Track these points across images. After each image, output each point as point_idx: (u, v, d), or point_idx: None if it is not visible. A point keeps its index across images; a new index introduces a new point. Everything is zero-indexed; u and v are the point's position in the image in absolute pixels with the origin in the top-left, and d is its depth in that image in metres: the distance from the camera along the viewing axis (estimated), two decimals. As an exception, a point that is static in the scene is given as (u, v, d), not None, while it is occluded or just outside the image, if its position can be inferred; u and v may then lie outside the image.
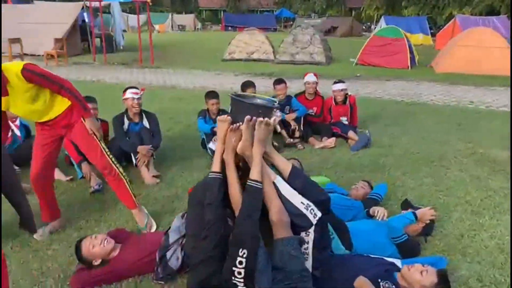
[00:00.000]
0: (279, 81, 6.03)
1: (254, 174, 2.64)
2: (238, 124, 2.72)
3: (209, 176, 2.78)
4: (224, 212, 2.70)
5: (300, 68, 13.95)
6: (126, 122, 4.92)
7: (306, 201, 2.68)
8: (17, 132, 5.00)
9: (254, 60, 15.81)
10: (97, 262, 2.87)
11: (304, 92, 6.32)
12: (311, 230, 2.69)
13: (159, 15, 41.49)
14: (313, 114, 6.28)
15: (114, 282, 2.84)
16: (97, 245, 2.87)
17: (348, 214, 3.57)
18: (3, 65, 2.93)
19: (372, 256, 2.97)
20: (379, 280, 2.67)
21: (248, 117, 2.68)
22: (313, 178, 4.27)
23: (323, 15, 46.91)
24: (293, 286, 2.51)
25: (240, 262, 2.44)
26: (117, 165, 3.50)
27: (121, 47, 17.88)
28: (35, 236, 3.39)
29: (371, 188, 4.02)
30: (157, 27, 37.10)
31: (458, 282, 2.90)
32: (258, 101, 2.91)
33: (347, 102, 6.20)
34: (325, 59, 15.28)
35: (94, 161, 3.47)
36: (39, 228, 3.44)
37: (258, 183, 2.62)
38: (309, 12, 51.38)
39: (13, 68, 2.95)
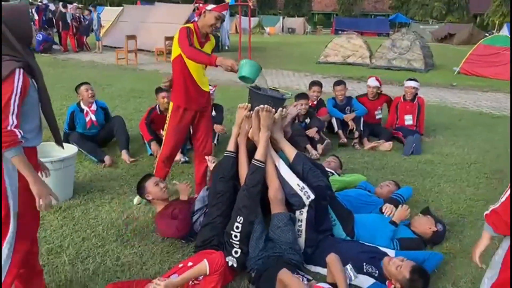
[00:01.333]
0: (338, 83, 6.28)
1: (258, 155, 3.05)
2: (251, 112, 3.16)
3: (224, 154, 3.26)
4: (233, 186, 3.15)
5: (396, 73, 13.70)
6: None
7: (301, 184, 3.02)
8: (93, 117, 5.21)
9: (349, 64, 15.83)
10: (148, 198, 3.53)
11: (364, 94, 6.49)
12: (304, 210, 3.02)
13: (271, 18, 42.87)
14: (381, 117, 6.41)
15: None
16: (158, 187, 3.51)
17: (367, 208, 3.77)
18: None
19: (367, 244, 3.19)
20: (364, 264, 2.91)
21: (257, 108, 3.11)
22: (350, 176, 4.56)
23: (442, 21, 44.30)
24: (280, 255, 2.87)
25: (237, 227, 2.89)
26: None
27: (226, 47, 19.11)
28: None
29: (398, 188, 4.14)
30: (267, 29, 38.43)
31: (451, 281, 2.99)
32: (270, 93, 3.31)
33: (416, 101, 6.26)
34: (424, 66, 14.74)
35: (208, 147, 3.95)
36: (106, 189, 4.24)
37: (260, 163, 3.03)
38: (427, 17, 48.86)
39: (212, 38, 3.76)
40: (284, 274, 2.52)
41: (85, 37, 17.58)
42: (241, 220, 2.90)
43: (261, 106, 3.10)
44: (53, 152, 4.01)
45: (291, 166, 3.18)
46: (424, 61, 14.87)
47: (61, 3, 16.99)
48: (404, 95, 6.34)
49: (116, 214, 3.82)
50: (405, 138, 5.93)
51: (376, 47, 16.08)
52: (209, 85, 5.58)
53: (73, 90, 5.49)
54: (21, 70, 2.12)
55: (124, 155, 5.14)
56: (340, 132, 6.04)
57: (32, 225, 2.36)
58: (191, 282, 2.67)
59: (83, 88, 5.24)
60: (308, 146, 5.55)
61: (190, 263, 2.77)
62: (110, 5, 30.93)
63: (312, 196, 2.99)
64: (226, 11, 3.71)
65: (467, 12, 46.74)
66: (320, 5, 55.36)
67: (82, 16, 17.41)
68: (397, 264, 2.75)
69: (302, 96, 5.83)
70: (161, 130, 5.30)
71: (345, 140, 5.97)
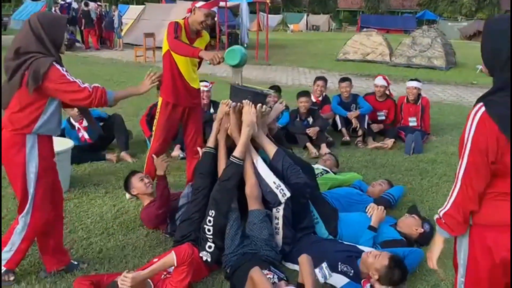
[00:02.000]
0: (343, 79, 6.22)
1: (237, 152, 3.05)
2: (226, 110, 3.17)
3: (204, 150, 3.27)
4: (212, 182, 3.15)
5: (416, 71, 13.42)
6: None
7: (278, 181, 3.01)
8: (85, 135, 5.07)
9: (369, 61, 15.60)
10: (133, 193, 3.61)
11: (372, 93, 6.37)
12: (281, 207, 3.01)
13: (295, 15, 42.70)
14: (384, 118, 6.27)
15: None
16: (143, 183, 3.60)
17: (356, 207, 3.72)
18: None
19: (345, 243, 3.15)
20: (339, 263, 2.88)
21: (233, 104, 3.11)
22: (345, 174, 4.52)
23: (471, 18, 43.08)
24: (256, 252, 2.87)
25: (209, 221, 2.91)
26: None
27: (245, 45, 19.14)
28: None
29: (391, 187, 4.07)
30: (291, 26, 38.29)
31: (431, 283, 2.92)
32: (252, 89, 3.30)
33: (419, 102, 6.11)
34: (445, 64, 14.38)
35: (198, 142, 4.00)
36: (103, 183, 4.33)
37: (238, 160, 3.02)
38: (456, 14, 47.60)
39: (206, 35, 3.84)
40: (255, 272, 2.50)
41: (112, 32, 17.93)
42: (213, 213, 2.92)
43: (233, 105, 3.11)
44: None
45: (271, 163, 3.16)
46: (445, 59, 14.51)
47: (83, 2, 17.40)
48: (406, 96, 6.17)
49: (106, 208, 3.90)
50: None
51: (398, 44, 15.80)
52: (206, 81, 5.65)
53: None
54: (57, 64, 2.51)
55: (125, 156, 5.10)
56: (344, 130, 5.97)
57: (48, 203, 2.74)
58: (163, 275, 2.70)
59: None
60: (308, 145, 5.51)
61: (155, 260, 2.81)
62: (136, 3, 31.41)
63: (288, 194, 2.97)
64: (216, 7, 3.69)
65: (498, 8, 45.26)
66: (346, 2, 54.70)
67: (105, 13, 17.80)
68: (376, 254, 2.77)
69: (303, 93, 5.79)
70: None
71: (348, 138, 5.89)
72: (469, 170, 1.70)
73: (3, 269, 2.72)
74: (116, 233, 3.48)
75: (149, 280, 2.61)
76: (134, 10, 22.01)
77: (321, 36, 32.83)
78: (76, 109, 4.85)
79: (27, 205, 2.64)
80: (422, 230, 3.31)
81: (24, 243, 2.72)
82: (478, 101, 1.71)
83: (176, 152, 5.24)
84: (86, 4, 17.51)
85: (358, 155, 5.48)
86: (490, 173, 1.69)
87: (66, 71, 2.54)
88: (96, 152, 5.10)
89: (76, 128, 5.09)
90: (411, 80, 6.23)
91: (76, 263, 2.99)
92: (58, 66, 2.51)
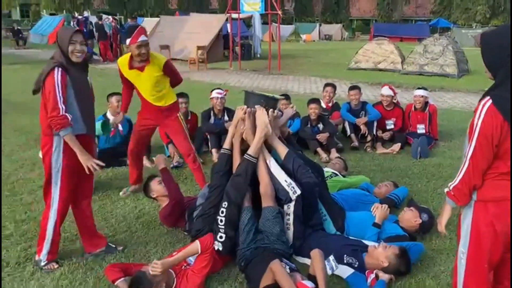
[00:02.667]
0: (352, 87, 6.44)
1: (251, 150, 3.31)
2: (242, 115, 3.44)
3: (220, 151, 3.55)
4: (227, 180, 3.40)
5: (428, 79, 13.60)
6: (212, 117, 5.94)
7: (289, 180, 3.26)
8: (120, 127, 5.57)
9: (380, 70, 15.79)
10: (153, 195, 3.87)
11: (380, 102, 6.57)
12: (291, 204, 3.25)
13: (307, 25, 43.02)
14: (392, 127, 6.45)
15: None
16: (161, 185, 3.86)
17: (363, 207, 3.93)
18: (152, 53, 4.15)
19: (351, 237, 3.38)
20: (345, 256, 3.11)
21: (249, 109, 3.38)
22: (355, 177, 4.74)
23: (486, 25, 42.90)
24: (269, 246, 3.11)
25: (222, 212, 3.17)
26: (195, 152, 4.56)
27: (258, 55, 19.50)
28: (120, 193, 4.54)
29: (396, 188, 4.28)
30: (304, 36, 38.63)
31: (431, 274, 3.12)
32: (264, 95, 3.57)
33: (427, 110, 6.29)
34: (457, 72, 14.48)
35: (183, 148, 4.46)
36: (124, 187, 4.62)
37: (252, 158, 3.28)
38: (470, 21, 47.42)
39: (159, 58, 4.19)
40: (274, 264, 2.71)
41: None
42: (225, 205, 3.18)
43: (248, 110, 3.38)
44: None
45: (283, 163, 3.41)
46: (457, 66, 14.61)
47: (95, 16, 18.07)
48: (414, 105, 6.36)
49: (129, 209, 4.18)
50: (415, 142, 6.02)
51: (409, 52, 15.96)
52: (221, 89, 5.94)
53: (105, 97, 5.76)
54: (59, 68, 2.85)
55: (145, 161, 5.37)
56: (353, 135, 6.19)
57: (72, 190, 3.14)
58: (183, 266, 2.96)
59: (114, 98, 5.47)
60: (319, 150, 5.75)
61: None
62: (151, 16, 32.16)
63: (298, 192, 3.21)
64: (143, 36, 3.96)
65: (512, 15, 45.00)
66: (358, 11, 54.94)
67: (121, 26, 18.40)
68: (385, 245, 3.05)
69: (313, 101, 6.02)
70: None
71: (357, 143, 6.11)
72: (476, 151, 2.04)
73: (45, 261, 3.11)
74: (138, 231, 3.76)
75: (171, 270, 2.87)
76: (148, 23, 22.56)
77: (333, 45, 33.09)
78: (115, 103, 5.40)
79: (51, 202, 3.05)
80: (421, 220, 3.52)
81: (55, 235, 3.12)
82: (485, 95, 2.05)
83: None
84: (100, 18, 18.16)
85: (367, 159, 5.69)
86: (492, 155, 2.02)
87: (63, 81, 2.84)
88: (117, 158, 5.40)
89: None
90: (418, 88, 6.42)
91: (114, 246, 3.37)
92: (57, 74, 2.83)
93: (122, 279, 2.84)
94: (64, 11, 33.50)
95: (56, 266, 3.15)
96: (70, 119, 2.86)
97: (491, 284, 2.31)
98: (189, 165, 4.55)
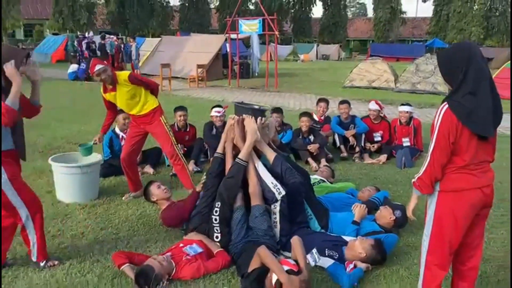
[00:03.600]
0: (343, 102, 6.87)
1: (241, 155, 3.68)
2: (232, 123, 3.84)
3: (214, 155, 3.92)
4: (219, 182, 3.76)
5: (420, 97, 14.07)
6: (214, 129, 6.32)
7: (275, 182, 3.63)
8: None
9: (375, 88, 16.26)
10: (153, 199, 4.21)
11: (368, 116, 6.97)
12: (277, 204, 3.61)
13: (305, 46, 43.82)
14: (380, 139, 6.84)
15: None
16: (160, 189, 4.22)
17: (346, 209, 4.27)
18: (116, 72, 4.60)
19: (332, 234, 3.73)
20: (326, 249, 3.46)
21: (237, 118, 3.77)
22: (341, 183, 5.09)
23: (480, 46, 43.74)
24: (258, 240, 3.44)
25: (216, 211, 3.53)
26: (181, 155, 4.86)
27: (256, 74, 20.03)
28: (123, 198, 4.88)
29: (378, 191, 4.64)
30: (302, 56, 39.36)
31: (404, 266, 3.46)
32: (251, 106, 3.96)
33: (411, 124, 6.68)
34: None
35: (166, 150, 4.88)
36: (126, 193, 4.96)
37: (242, 161, 3.65)
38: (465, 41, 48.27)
39: (122, 75, 4.56)
40: (262, 250, 3.06)
41: (126, 64, 19.06)
42: (219, 205, 3.54)
43: (236, 118, 3.78)
44: (81, 160, 4.83)
45: (271, 167, 3.78)
46: (449, 85, 15.07)
47: (99, 35, 18.65)
48: (399, 119, 6.74)
49: (131, 212, 4.53)
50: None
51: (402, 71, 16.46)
52: (220, 106, 6.33)
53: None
54: None
55: (148, 169, 5.86)
56: (342, 147, 6.57)
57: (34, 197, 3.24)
58: (183, 257, 3.30)
59: (120, 116, 5.76)
60: (310, 160, 6.12)
61: (181, 244, 3.45)
62: (152, 36, 32.94)
63: (283, 192, 3.57)
64: (98, 66, 4.38)
65: (506, 36, 45.91)
66: (356, 32, 56.00)
67: (123, 46, 18.98)
68: (362, 238, 3.44)
69: (304, 114, 6.44)
70: (178, 145, 6.08)
71: (346, 154, 6.48)
72: (436, 148, 2.41)
73: (41, 263, 3.32)
74: (140, 230, 4.10)
75: (171, 261, 3.21)
76: (150, 43, 23.19)
77: (330, 65, 33.74)
78: (121, 120, 5.77)
79: (19, 207, 3.10)
80: (395, 217, 3.87)
81: (38, 233, 3.25)
82: (443, 101, 2.44)
83: (190, 166, 5.88)
84: (103, 37, 18.76)
85: (354, 168, 6.06)
86: (450, 151, 2.39)
87: None
88: (120, 167, 5.75)
89: (120, 137, 5.89)
90: (402, 104, 6.81)
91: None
92: None
93: (127, 264, 3.18)
94: (68, 31, 34.27)
95: (56, 262, 3.37)
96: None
97: (456, 265, 2.68)
98: (173, 167, 4.98)
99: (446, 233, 2.49)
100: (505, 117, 9.16)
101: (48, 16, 38.04)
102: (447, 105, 2.38)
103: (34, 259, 3.32)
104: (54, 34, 33.92)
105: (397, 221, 3.85)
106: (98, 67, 4.36)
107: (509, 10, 43.35)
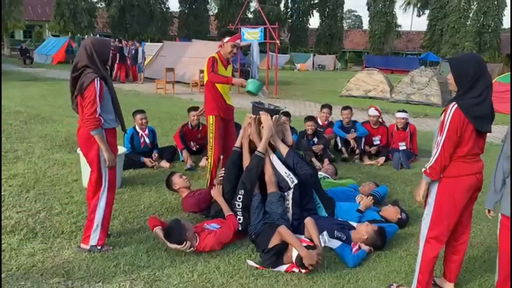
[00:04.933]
0: (345, 108, 7.37)
1: (260, 147, 4.15)
2: (249, 121, 4.31)
3: (233, 149, 4.39)
4: (237, 172, 4.23)
5: (414, 107, 14.65)
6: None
7: (288, 172, 4.10)
8: (146, 140, 6.39)
9: (370, 97, 16.83)
10: (175, 187, 4.70)
11: (368, 121, 7.47)
12: (290, 192, 4.08)
13: (302, 55, 44.59)
14: (379, 142, 7.33)
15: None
16: (182, 179, 4.73)
17: (350, 201, 4.75)
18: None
19: (340, 219, 4.19)
20: (335, 231, 3.91)
21: (254, 116, 4.25)
22: (343, 180, 5.56)
23: (473, 60, 44.62)
24: (275, 222, 3.89)
25: (239, 198, 3.97)
26: None
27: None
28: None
29: (377, 187, 5.12)
30: (298, 65, 40.06)
31: (403, 248, 3.93)
32: (266, 106, 4.43)
33: (408, 129, 7.19)
34: (441, 101, 15.55)
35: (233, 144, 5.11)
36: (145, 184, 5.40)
37: (261, 153, 4.12)
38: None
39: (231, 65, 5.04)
40: (283, 229, 3.53)
41: (135, 67, 19.46)
42: (242, 192, 4.00)
43: (253, 116, 4.27)
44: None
45: (284, 160, 4.25)
46: (442, 96, 15.69)
47: (117, 39, 19.09)
48: (396, 125, 7.26)
49: (153, 199, 4.96)
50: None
51: (397, 82, 17.07)
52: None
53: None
54: (99, 79, 3.39)
55: (164, 164, 6.31)
56: (343, 149, 7.06)
57: (115, 184, 3.72)
58: (205, 230, 3.76)
59: (138, 116, 6.36)
60: (314, 159, 6.59)
61: (205, 224, 3.92)
62: (151, 41, 33.41)
63: (296, 181, 4.05)
64: (240, 40, 4.87)
65: (498, 52, 47.04)
66: (351, 43, 56.90)
67: (134, 50, 19.51)
68: (367, 223, 3.89)
69: (309, 118, 6.94)
70: (191, 142, 6.57)
71: (347, 155, 6.97)
72: (446, 140, 2.83)
73: (99, 247, 3.59)
74: (164, 214, 4.54)
75: (195, 233, 3.68)
76: (150, 47, 23.67)
77: (326, 75, 34.43)
78: (143, 120, 6.27)
79: (103, 185, 3.58)
80: (400, 217, 4.34)
81: (105, 220, 3.63)
82: (451, 101, 2.87)
83: (203, 162, 6.33)
84: (120, 41, 19.19)
85: (355, 169, 6.54)
86: (457, 142, 2.83)
87: (101, 89, 3.34)
88: (139, 161, 6.21)
89: (140, 135, 6.37)
90: (399, 111, 7.33)
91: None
92: (97, 84, 3.30)
93: (159, 227, 3.69)
94: (69, 33, 34.64)
95: (111, 247, 3.65)
96: (102, 121, 3.39)
97: (449, 241, 3.13)
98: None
99: (446, 212, 2.94)
100: (499, 129, 9.69)
101: (48, 18, 38.39)
102: (456, 105, 2.80)
103: (94, 243, 3.58)
104: (53, 36, 34.32)
105: (400, 221, 4.32)
106: (239, 41, 4.82)
107: (501, 27, 44.47)
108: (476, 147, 2.89)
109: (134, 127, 6.38)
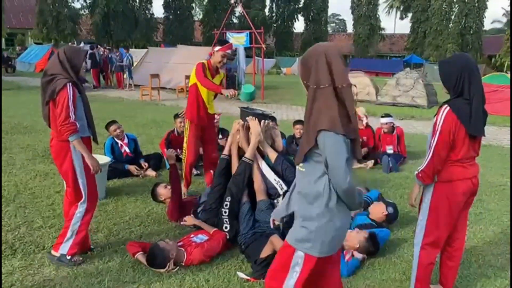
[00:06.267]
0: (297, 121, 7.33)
1: (247, 154, 4.03)
2: (238, 127, 4.20)
3: (221, 157, 4.27)
4: (225, 180, 4.11)
5: (400, 109, 14.70)
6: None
7: (277, 179, 3.99)
8: (127, 149, 6.22)
9: (357, 100, 16.85)
10: (161, 198, 4.62)
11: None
12: (280, 199, 3.95)
13: (288, 59, 44.63)
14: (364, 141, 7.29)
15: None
16: (167, 189, 4.64)
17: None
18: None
19: (331, 226, 4.09)
20: (326, 239, 3.80)
21: (241, 122, 4.14)
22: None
23: (456, 62, 45.23)
24: (264, 231, 3.78)
25: (226, 205, 3.86)
26: None
27: (242, 85, 20.47)
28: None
29: (368, 192, 5.05)
30: (284, 70, 40.13)
31: (396, 254, 3.85)
32: (255, 111, 4.33)
33: (395, 132, 7.15)
34: (427, 103, 15.63)
35: (214, 151, 5.23)
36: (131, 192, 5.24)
37: (248, 160, 4.00)
38: (441, 58, 49.85)
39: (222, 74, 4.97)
40: (275, 238, 3.41)
41: (121, 74, 19.22)
42: (228, 199, 3.88)
43: (241, 122, 4.15)
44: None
45: (273, 166, 4.14)
46: (427, 98, 15.78)
47: (89, 45, 18.86)
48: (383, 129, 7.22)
49: (139, 209, 4.81)
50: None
51: (383, 85, 17.13)
52: (215, 113, 6.71)
53: (100, 119, 6.45)
54: (71, 84, 3.29)
55: (150, 172, 6.15)
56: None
57: (95, 192, 3.58)
58: (192, 243, 3.62)
59: (111, 128, 6.16)
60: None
61: (191, 235, 3.79)
62: (135, 47, 33.12)
63: (285, 188, 3.93)
64: (230, 50, 4.77)
65: (480, 53, 47.73)
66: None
67: (110, 56, 19.23)
68: (357, 230, 3.79)
69: (298, 122, 6.88)
70: (178, 149, 6.41)
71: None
72: (438, 143, 2.75)
73: (69, 257, 3.43)
74: (150, 225, 4.39)
75: (181, 248, 3.53)
76: (135, 53, 23.41)
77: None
78: (117, 130, 6.10)
79: (83, 194, 3.44)
80: (387, 212, 4.26)
81: (81, 230, 3.47)
82: (443, 104, 2.81)
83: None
84: (92, 48, 19.00)
85: (345, 173, 6.46)
86: (450, 145, 2.75)
87: (74, 95, 3.23)
88: (122, 170, 6.04)
89: (119, 145, 6.22)
90: (382, 117, 7.27)
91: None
92: (69, 89, 3.20)
93: (140, 253, 3.50)
94: (52, 41, 34.17)
95: (80, 258, 3.51)
96: (78, 126, 3.25)
97: (444, 248, 3.06)
98: (208, 167, 5.27)
99: (441, 218, 2.86)
100: (494, 130, 9.72)
101: (30, 25, 37.87)
102: (448, 107, 2.74)
103: (64, 251, 3.45)
104: (36, 43, 33.82)
105: (389, 216, 4.25)
106: (229, 52, 4.74)
107: (483, 29, 45.17)
108: (471, 150, 2.82)
109: (113, 137, 6.22)
